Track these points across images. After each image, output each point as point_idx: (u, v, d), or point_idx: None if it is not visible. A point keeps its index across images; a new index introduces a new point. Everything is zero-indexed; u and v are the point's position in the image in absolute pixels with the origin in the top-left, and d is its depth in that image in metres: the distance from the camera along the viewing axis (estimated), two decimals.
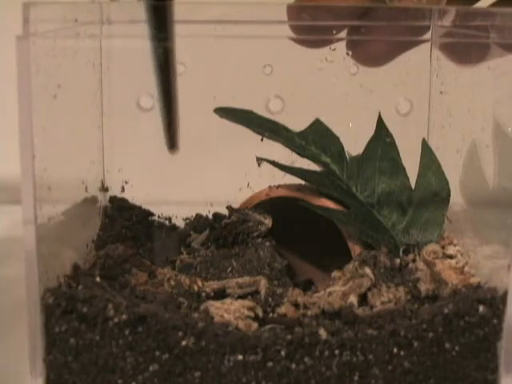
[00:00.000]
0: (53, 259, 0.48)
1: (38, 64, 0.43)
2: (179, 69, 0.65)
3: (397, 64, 0.59)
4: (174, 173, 0.68)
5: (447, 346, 0.44)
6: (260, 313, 0.46)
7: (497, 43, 0.48)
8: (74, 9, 0.52)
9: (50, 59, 0.48)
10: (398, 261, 0.52)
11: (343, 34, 0.53)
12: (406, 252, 0.54)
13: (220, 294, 0.50)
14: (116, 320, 0.43)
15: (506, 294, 0.44)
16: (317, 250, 0.60)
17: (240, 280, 0.50)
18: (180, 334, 0.43)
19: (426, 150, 0.58)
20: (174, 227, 0.65)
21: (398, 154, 0.58)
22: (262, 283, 0.50)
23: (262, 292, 0.49)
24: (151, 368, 0.43)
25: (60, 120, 0.51)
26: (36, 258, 0.44)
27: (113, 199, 0.67)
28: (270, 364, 0.43)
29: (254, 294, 0.49)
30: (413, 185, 0.57)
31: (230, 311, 0.46)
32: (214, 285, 0.50)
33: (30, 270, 0.44)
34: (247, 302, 0.47)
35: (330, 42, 0.55)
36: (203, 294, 0.50)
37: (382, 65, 0.55)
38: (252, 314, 0.45)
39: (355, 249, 0.54)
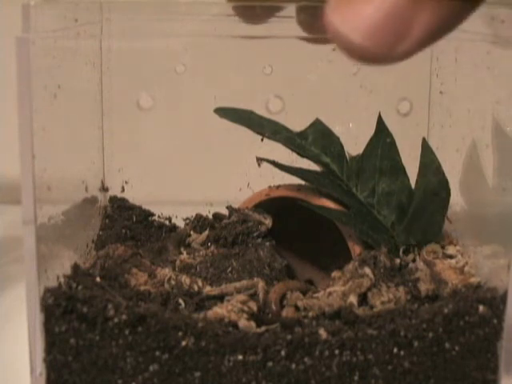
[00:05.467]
0: (53, 259, 0.48)
1: (37, 64, 0.43)
2: (179, 69, 0.66)
3: (397, 64, 0.59)
4: (174, 173, 0.69)
5: (447, 345, 0.44)
6: (254, 307, 0.46)
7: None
8: (74, 9, 0.52)
9: (50, 59, 0.48)
10: (397, 261, 0.52)
11: None
12: (406, 252, 0.54)
13: (219, 297, 0.50)
14: (116, 320, 0.43)
15: (505, 293, 0.44)
16: (317, 249, 0.60)
17: (238, 285, 0.50)
18: (180, 334, 0.43)
19: (426, 149, 0.58)
20: (174, 227, 0.65)
21: (398, 154, 0.58)
22: (260, 286, 0.49)
23: (260, 295, 0.49)
24: (151, 368, 0.43)
25: (60, 120, 0.51)
26: (36, 258, 0.44)
27: (113, 199, 0.67)
28: (270, 364, 0.43)
29: (254, 296, 0.49)
30: (413, 185, 0.57)
31: (223, 305, 0.46)
32: (211, 291, 0.50)
33: (30, 270, 0.44)
34: (241, 297, 0.47)
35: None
36: (203, 295, 0.50)
37: None
38: (245, 308, 0.45)
39: (355, 249, 0.54)
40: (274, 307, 0.48)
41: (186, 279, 0.51)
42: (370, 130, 0.59)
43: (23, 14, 0.43)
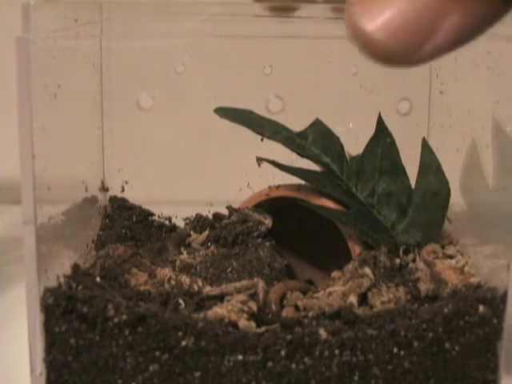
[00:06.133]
0: (53, 259, 0.48)
1: (37, 64, 0.43)
2: (179, 69, 0.66)
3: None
4: (174, 173, 0.69)
5: (447, 345, 0.44)
6: (254, 307, 0.46)
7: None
8: (74, 9, 0.53)
9: (50, 59, 0.48)
10: (397, 261, 0.52)
11: None
12: (406, 252, 0.54)
13: (220, 297, 0.50)
14: (116, 320, 0.43)
15: (505, 293, 0.44)
16: (317, 249, 0.60)
17: (238, 285, 0.50)
18: (180, 334, 0.43)
19: (426, 149, 0.58)
20: (174, 227, 0.65)
21: (398, 154, 0.58)
22: (260, 286, 0.49)
23: (260, 295, 0.49)
24: (151, 368, 0.43)
25: (60, 120, 0.51)
26: (36, 258, 0.44)
27: (113, 199, 0.67)
28: (270, 364, 0.43)
29: (254, 296, 0.49)
30: (413, 185, 0.57)
31: (223, 305, 0.46)
32: (212, 291, 0.50)
33: (30, 270, 0.44)
34: (241, 297, 0.47)
35: None
36: (203, 295, 0.50)
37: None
38: (245, 308, 0.45)
39: (355, 249, 0.54)
40: (274, 307, 0.48)
41: (185, 279, 0.51)
42: (370, 130, 0.59)
43: (23, 13, 0.43)
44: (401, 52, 0.31)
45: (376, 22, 0.31)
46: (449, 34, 0.31)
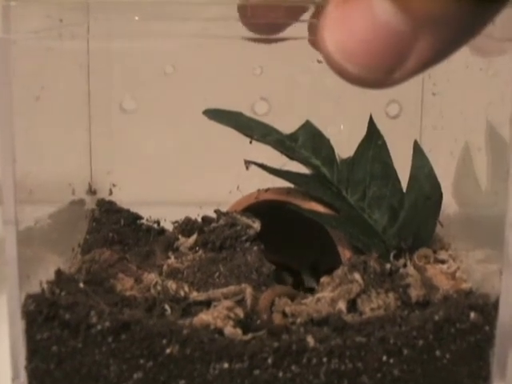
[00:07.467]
0: (37, 264, 0.48)
1: (19, 65, 0.43)
2: (168, 70, 0.65)
3: None
4: (163, 175, 0.68)
5: (438, 353, 0.43)
6: (241, 314, 0.45)
7: None
8: (59, 9, 0.52)
9: (33, 60, 0.47)
10: (388, 266, 0.51)
11: None
12: (397, 256, 0.53)
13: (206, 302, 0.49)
14: (99, 327, 0.42)
15: (498, 300, 0.44)
16: (307, 254, 0.59)
17: (225, 290, 0.49)
18: (164, 341, 0.42)
19: (418, 152, 0.57)
20: (162, 230, 0.64)
21: (390, 157, 0.57)
22: (248, 292, 0.48)
23: (248, 301, 0.48)
24: (135, 376, 0.43)
25: (44, 122, 0.50)
26: (17, 260, 0.43)
27: (100, 202, 0.66)
28: (256, 372, 0.43)
29: (241, 302, 0.48)
30: (404, 188, 0.56)
31: (209, 312, 0.45)
32: (198, 297, 0.49)
33: (12, 273, 0.43)
34: (227, 303, 0.46)
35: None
36: (190, 301, 0.49)
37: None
38: (232, 315, 0.45)
39: (345, 253, 0.53)
40: (265, 317, 0.47)
41: (172, 284, 0.50)
42: (361, 132, 0.58)
43: (3, 14, 0.43)
44: (371, 79, 0.31)
45: (346, 51, 0.31)
46: (419, 60, 0.31)
